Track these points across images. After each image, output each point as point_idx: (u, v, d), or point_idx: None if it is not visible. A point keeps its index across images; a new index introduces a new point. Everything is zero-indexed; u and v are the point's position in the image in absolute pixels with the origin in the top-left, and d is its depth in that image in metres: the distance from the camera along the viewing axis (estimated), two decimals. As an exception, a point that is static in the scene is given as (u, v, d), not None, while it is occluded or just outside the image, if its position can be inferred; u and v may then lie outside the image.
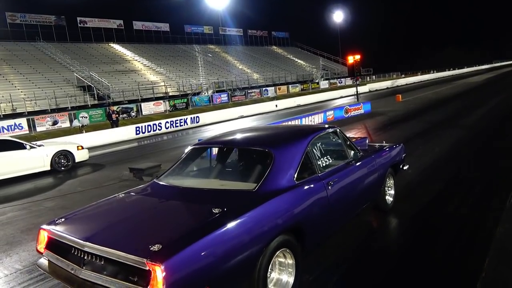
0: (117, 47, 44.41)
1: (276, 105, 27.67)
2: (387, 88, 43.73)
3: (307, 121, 14.80)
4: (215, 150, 4.47)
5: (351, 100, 26.85)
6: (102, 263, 2.66)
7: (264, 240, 2.91)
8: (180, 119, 21.00)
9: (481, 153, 8.66)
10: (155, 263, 2.31)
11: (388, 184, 5.24)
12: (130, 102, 29.80)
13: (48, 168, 10.56)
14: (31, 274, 4.34)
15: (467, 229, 4.60)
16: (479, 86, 32.19)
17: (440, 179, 6.81)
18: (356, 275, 3.76)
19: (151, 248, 2.41)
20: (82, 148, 11.46)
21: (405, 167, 5.80)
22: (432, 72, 67.74)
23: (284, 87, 42.27)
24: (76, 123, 22.54)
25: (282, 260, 3.20)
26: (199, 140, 10.54)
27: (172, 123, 20.36)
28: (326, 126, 4.58)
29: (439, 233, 4.56)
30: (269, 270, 2.99)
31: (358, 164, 4.38)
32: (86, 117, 23.86)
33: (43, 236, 3.21)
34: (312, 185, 3.57)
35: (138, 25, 48.81)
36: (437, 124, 13.25)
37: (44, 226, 3.24)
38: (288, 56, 63.15)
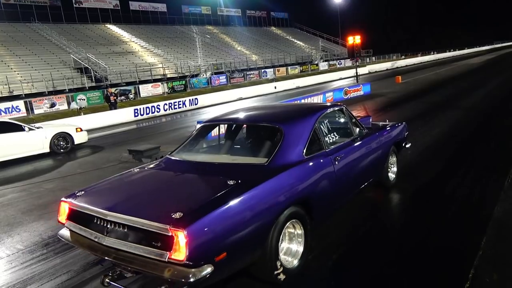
0: (113, 28, 43.77)
1: (275, 87, 27.48)
2: (387, 69, 43.39)
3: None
4: (223, 127, 4.54)
5: (351, 82, 26.67)
6: (125, 231, 2.82)
7: (275, 211, 3.07)
8: (178, 101, 20.87)
9: (481, 133, 8.65)
10: (177, 229, 2.47)
11: (391, 162, 5.38)
12: (128, 84, 29.56)
13: (47, 150, 10.54)
14: (33, 254, 4.38)
15: (466, 208, 4.63)
16: (480, 68, 31.96)
17: (440, 159, 6.82)
18: (356, 255, 3.79)
19: (173, 216, 2.56)
20: (81, 130, 11.40)
21: (407, 145, 5.94)
22: (432, 53, 67.14)
23: (283, 69, 41.91)
24: (74, 105, 22.40)
25: (292, 230, 3.37)
26: (198, 122, 10.54)
27: (170, 105, 20.24)
28: (333, 103, 4.67)
29: (439, 212, 4.59)
30: (280, 240, 3.14)
31: (363, 141, 4.51)
32: (84, 100, 23.71)
33: (64, 208, 3.37)
34: (320, 160, 3.71)
35: (134, 5, 47.97)
36: (437, 105, 13.20)
37: (65, 199, 3.38)
38: (287, 37, 62.38)
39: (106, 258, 2.92)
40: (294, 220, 3.31)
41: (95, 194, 3.46)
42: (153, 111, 19.32)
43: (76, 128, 11.30)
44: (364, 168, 4.52)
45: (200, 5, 55.36)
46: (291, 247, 3.39)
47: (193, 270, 2.51)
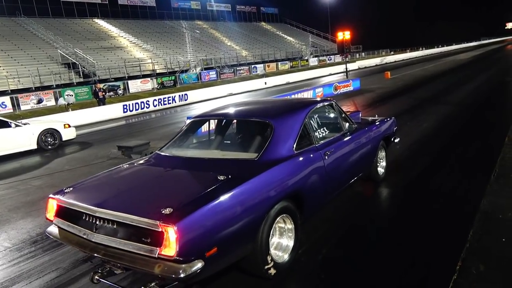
0: (101, 23, 43.19)
1: (265, 83, 27.46)
2: (376, 65, 43.64)
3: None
4: (213, 123, 4.51)
5: (341, 77, 26.77)
6: (115, 227, 2.78)
7: (266, 206, 3.09)
8: (168, 97, 20.72)
9: (468, 128, 8.77)
10: (167, 225, 2.46)
11: (380, 156, 5.45)
12: (116, 79, 29.25)
13: (34, 147, 10.39)
14: (21, 252, 4.33)
15: (454, 201, 4.70)
16: (467, 63, 32.34)
17: (427, 153, 6.91)
18: (345, 249, 3.83)
19: (163, 211, 2.55)
20: (69, 126, 11.27)
21: (396, 140, 6.01)
22: (421, 49, 67.73)
23: (273, 64, 41.87)
24: (61, 101, 22.08)
25: (282, 225, 3.40)
26: (188, 118, 10.49)
27: (160, 101, 20.10)
28: (323, 99, 4.75)
29: (427, 206, 4.66)
30: (271, 235, 3.17)
31: (352, 136, 4.57)
32: (72, 95, 23.40)
33: (52, 205, 3.32)
34: (310, 155, 3.74)
35: (123, 0, 47.37)
36: (425, 100, 13.34)
37: (53, 195, 3.34)
38: (277, 32, 62.29)
39: (95, 255, 2.88)
40: (284, 214, 3.32)
41: (83, 190, 3.42)
42: (142, 107, 19.15)
43: (64, 125, 11.16)
44: (353, 163, 4.56)
45: (189, 0, 54.87)
46: (281, 242, 3.41)
47: (183, 265, 2.50)
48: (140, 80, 29.23)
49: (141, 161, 4.02)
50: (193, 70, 35.56)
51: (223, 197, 2.80)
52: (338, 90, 17.37)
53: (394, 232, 4.08)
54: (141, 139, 10.34)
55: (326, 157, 3.89)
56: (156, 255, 2.51)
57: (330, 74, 34.03)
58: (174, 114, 17.59)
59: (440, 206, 4.60)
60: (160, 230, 2.49)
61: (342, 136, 4.40)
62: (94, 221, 2.91)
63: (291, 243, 3.43)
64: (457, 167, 6.06)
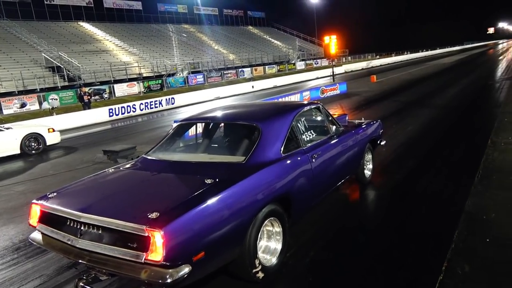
0: (87, 26, 42.70)
1: (253, 86, 27.49)
2: (362, 69, 44.14)
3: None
4: (200, 126, 4.49)
5: (327, 81, 26.98)
6: (100, 232, 2.74)
7: (254, 209, 3.06)
8: (155, 101, 20.57)
9: (453, 130, 8.91)
10: (154, 229, 2.42)
11: (367, 159, 5.51)
12: (102, 83, 28.92)
13: (17, 151, 10.19)
14: (3, 259, 4.22)
15: (439, 203, 4.76)
16: (451, 67, 32.94)
17: (413, 156, 6.99)
18: (332, 251, 3.84)
19: (149, 216, 2.51)
20: (54, 130, 11.08)
21: (382, 142, 6.07)
22: (406, 53, 68.73)
23: (260, 68, 41.97)
24: (45, 105, 21.71)
25: (270, 228, 3.39)
26: (174, 122, 10.42)
27: (146, 104, 19.93)
28: (310, 102, 4.85)
29: (413, 208, 4.71)
30: (259, 238, 3.15)
31: (339, 138, 4.62)
32: (56, 99, 23.04)
33: (35, 211, 3.25)
34: (297, 158, 3.75)
35: (108, 3, 46.91)
36: (410, 103, 13.53)
37: (36, 201, 3.27)
38: (265, 36, 62.51)
39: (79, 261, 2.82)
40: (272, 218, 3.32)
41: (67, 195, 3.35)
42: (128, 110, 18.97)
43: (48, 129, 10.97)
44: (340, 165, 4.59)
45: (176, 4, 54.70)
46: (269, 245, 3.40)
47: (170, 270, 2.46)
48: (126, 83, 28.96)
49: (127, 165, 3.97)
50: (180, 74, 35.39)
51: (211, 201, 2.77)
52: (325, 93, 17.50)
53: (381, 235, 4.10)
54: (127, 143, 10.22)
55: (314, 160, 3.90)
56: (143, 260, 2.47)
57: (317, 78, 34.26)
58: (161, 118, 17.46)
59: (426, 208, 4.66)
60: (146, 235, 2.45)
61: (329, 139, 4.42)
62: (78, 227, 2.85)
63: (279, 246, 3.42)
64: (442, 169, 6.14)
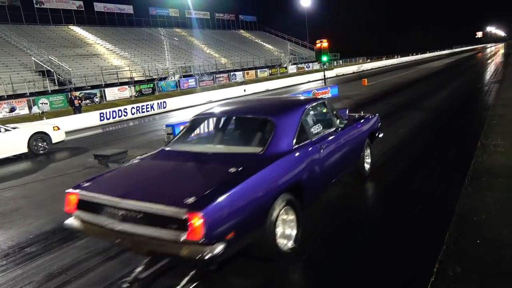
0: (77, 30, 42.44)
1: (245, 90, 27.52)
2: (354, 72, 44.46)
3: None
4: (214, 120, 4.83)
5: (319, 85, 27.10)
6: (139, 216, 3.01)
7: (272, 195, 3.39)
8: (146, 105, 20.48)
9: (443, 133, 9.00)
10: (194, 212, 2.73)
11: (366, 153, 5.88)
12: (93, 87, 28.71)
13: (25, 150, 10.39)
14: (-9, 266, 4.15)
15: (431, 204, 4.80)
16: (440, 71, 33.32)
17: (404, 158, 7.05)
18: (329, 250, 3.85)
19: (187, 200, 2.82)
20: (58, 128, 11.28)
21: (380, 135, 6.50)
22: (396, 57, 69.45)
23: (252, 72, 42.05)
24: (35, 109, 21.50)
25: (285, 216, 3.63)
26: (166, 126, 10.40)
27: (138, 108, 19.84)
28: (316, 98, 5.27)
29: (405, 209, 4.73)
30: (276, 224, 3.44)
31: (343, 131, 5.01)
32: (47, 103, 22.81)
33: (70, 199, 3.54)
34: (307, 149, 4.08)
35: (99, 6, 46.74)
36: (401, 106, 13.63)
37: (71, 190, 3.56)
38: (256, 40, 62.69)
39: (119, 243, 3.20)
40: (287, 206, 3.58)
41: (103, 183, 3.68)
42: (120, 115, 18.85)
43: (53, 127, 11.18)
44: (345, 155, 4.97)
45: (168, 8, 54.62)
46: (285, 231, 3.64)
47: (207, 248, 2.76)
48: (117, 87, 28.79)
49: (150, 157, 4.25)
50: (171, 78, 35.30)
51: (237, 187, 3.08)
52: (317, 97, 17.57)
53: (374, 236, 4.12)
54: (118, 147, 10.13)
55: (321, 151, 4.25)
56: (183, 240, 2.75)
57: (309, 82, 34.40)
58: (152, 122, 17.38)
59: (418, 209, 4.69)
60: (185, 217, 2.75)
61: (334, 132, 4.78)
62: (117, 212, 3.13)
63: (294, 232, 3.71)
64: (434, 171, 6.19)
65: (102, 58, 37.12)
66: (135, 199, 3.08)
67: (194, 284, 3.21)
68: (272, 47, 60.51)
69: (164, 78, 34.65)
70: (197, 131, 4.80)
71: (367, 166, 5.86)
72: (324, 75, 25.95)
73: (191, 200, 2.82)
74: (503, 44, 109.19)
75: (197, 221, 2.71)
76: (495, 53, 58.88)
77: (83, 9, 44.56)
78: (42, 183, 7.79)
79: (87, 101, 25.23)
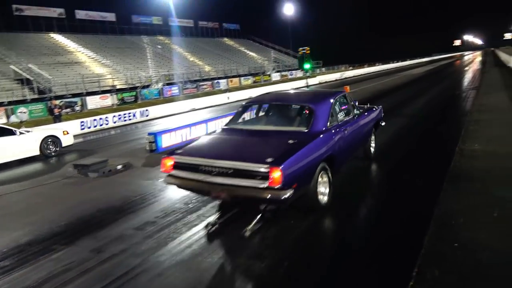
0: (58, 38, 41.80)
1: (228, 97, 27.50)
2: (336, 80, 44.96)
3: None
4: (256, 106, 6.44)
5: (302, 92, 27.27)
6: (229, 172, 4.25)
7: (316, 163, 4.66)
8: (128, 113, 20.22)
9: (423, 138, 9.16)
10: (274, 167, 3.98)
11: (372, 138, 7.28)
12: (74, 95, 28.23)
13: (37, 153, 10.82)
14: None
15: (410, 208, 4.85)
16: (421, 78, 34.01)
17: (386, 163, 7.13)
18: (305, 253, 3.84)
19: (267, 160, 4.07)
20: (67, 133, 11.81)
21: (383, 123, 7.86)
22: (378, 64, 70.58)
23: (236, 79, 42.11)
24: (14, 118, 21.00)
25: (321, 179, 4.87)
26: (148, 134, 10.28)
27: (120, 117, 19.56)
28: (339, 91, 6.55)
29: (385, 213, 4.77)
30: (318, 184, 4.71)
31: (358, 118, 6.41)
32: (25, 112, 22.32)
33: (166, 163, 4.83)
34: (336, 129, 5.37)
35: (81, 14, 46.17)
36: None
37: (168, 155, 4.88)
38: (240, 48, 62.93)
39: (213, 191, 4.41)
40: (323, 171, 4.81)
41: (192, 151, 4.97)
42: (101, 123, 18.55)
43: (63, 131, 11.71)
44: (360, 137, 6.42)
45: (151, 15, 54.37)
46: (322, 190, 4.87)
47: (282, 192, 3.99)
48: (99, 96, 28.39)
49: (218, 132, 5.58)
50: (154, 86, 35.05)
51: (299, 153, 4.37)
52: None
53: (354, 240, 4.13)
54: (99, 156, 9.98)
55: (345, 132, 5.55)
56: (265, 187, 4.02)
57: (292, 89, 34.66)
58: (135, 130, 17.16)
59: (398, 213, 4.73)
60: (267, 171, 3.98)
61: (352, 118, 6.14)
62: (212, 169, 4.36)
63: (327, 190, 4.98)
64: (414, 175, 6.29)
65: (83, 66, 36.63)
66: (226, 160, 4.35)
67: (259, 226, 4.52)
68: (256, 55, 60.83)
69: (147, 86, 34.37)
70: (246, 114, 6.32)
71: (372, 149, 7.27)
72: (307, 83, 26.19)
73: (270, 159, 4.05)
74: (480, 52, 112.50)
75: (277, 173, 3.95)
76: (473, 60, 60.52)
77: (65, 16, 43.90)
78: (18, 194, 7.53)
79: (68, 109, 24.76)
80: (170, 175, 4.82)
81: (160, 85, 35.26)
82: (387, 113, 13.42)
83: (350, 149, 5.84)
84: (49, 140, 11.12)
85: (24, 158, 10.54)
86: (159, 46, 49.83)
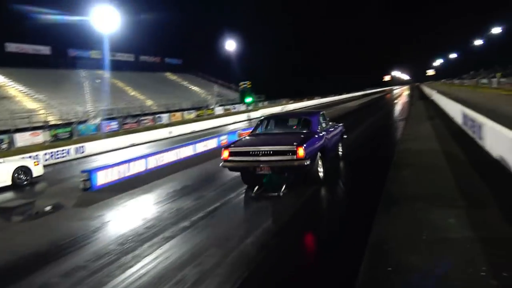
0: (-16, 72, 39.05)
1: (170, 132, 27.07)
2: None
3: (201, 146, 14.75)
4: (266, 121, 9.25)
5: (245, 125, 27.68)
6: (271, 152, 6.98)
7: (317, 149, 7.53)
8: (62, 150, 19.03)
9: (357, 166, 9.57)
10: (299, 147, 6.82)
11: (339, 145, 10.22)
12: (1, 132, 26.19)
13: (9, 183, 11.06)
14: None
15: (346, 236, 4.96)
16: (356, 110, 36.10)
17: (325, 190, 7.32)
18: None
19: (294, 143, 6.91)
20: (38, 163, 12.14)
21: (345, 136, 10.83)
22: (316, 98, 73.96)
23: (179, 114, 41.79)
24: None
25: (320, 163, 7.73)
26: (82, 172, 9.73)
27: (52, 154, 18.34)
28: (319, 110, 9.68)
29: (321, 242, 4.82)
30: (318, 165, 7.61)
31: (332, 128, 9.42)
32: None
33: (224, 152, 7.50)
34: (324, 133, 8.32)
35: (11, 47, 43.79)
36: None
37: (225, 148, 7.59)
38: (183, 82, 62.98)
39: (258, 166, 7.04)
40: (320, 158, 7.68)
41: (241, 144, 7.75)
42: (31, 161, 17.23)
43: (34, 162, 12.07)
44: (334, 142, 9.26)
45: (89, 49, 52.97)
46: (320, 170, 7.71)
47: (305, 161, 6.77)
48: (29, 132, 26.61)
49: (251, 136, 8.47)
50: (92, 121, 33.66)
51: (309, 141, 7.24)
52: (242, 137, 17.87)
53: (291, 275, 4.11)
54: (24, 197, 9.20)
55: (328, 135, 8.54)
56: (294, 158, 6.78)
57: (235, 122, 34.99)
58: (68, 168, 16.12)
59: (334, 241, 4.81)
60: (295, 149, 6.78)
61: (329, 128, 9.10)
62: (258, 152, 7.06)
63: (321, 169, 7.78)
64: (348, 202, 6.50)
65: (13, 101, 34.38)
66: (268, 145, 7.11)
67: (285, 190, 7.19)
68: (199, 89, 61.15)
69: (84, 122, 32.92)
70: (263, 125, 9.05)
71: (340, 153, 10.25)
72: (249, 116, 26.65)
73: (295, 143, 6.87)
74: (407, 86, 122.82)
75: (301, 150, 6.74)
76: (401, 94, 65.61)
77: (-8, 49, 41.39)
78: None
79: (-7, 148, 22.84)
80: (226, 161, 7.48)
81: (98, 120, 33.92)
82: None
83: (331, 147, 8.81)
84: (21, 170, 11.37)
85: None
86: (98, 80, 48.31)
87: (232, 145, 7.52)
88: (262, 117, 9.40)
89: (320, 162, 7.63)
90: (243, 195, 7.58)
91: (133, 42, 57.64)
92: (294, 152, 6.74)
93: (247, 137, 8.28)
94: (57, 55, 49.08)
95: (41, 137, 26.29)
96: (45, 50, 47.59)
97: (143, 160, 11.37)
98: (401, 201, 5.88)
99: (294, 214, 6.22)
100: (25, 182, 11.40)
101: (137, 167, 11.01)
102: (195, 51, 77.28)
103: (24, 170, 11.48)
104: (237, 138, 16.46)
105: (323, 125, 8.64)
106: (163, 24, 65.93)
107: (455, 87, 63.17)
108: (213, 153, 14.33)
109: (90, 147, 20.73)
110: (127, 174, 10.60)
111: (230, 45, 57.99)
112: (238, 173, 8.11)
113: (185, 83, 63.13)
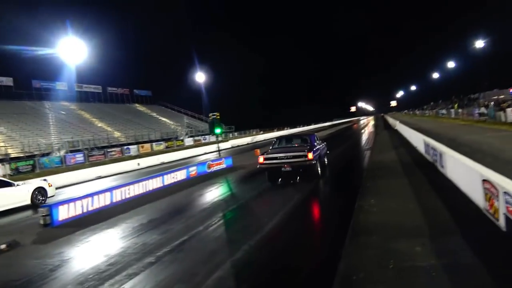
0: None
1: (139, 164, 26.47)
2: (248, 143, 46.50)
3: (170, 178, 14.49)
4: (278, 140, 14.33)
5: (214, 156, 27.53)
6: (293, 156, 11.70)
7: (318, 157, 12.19)
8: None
9: (326, 196, 9.67)
10: (309, 152, 11.63)
11: (325, 159, 14.42)
12: (-45, 167, 24.73)
13: (29, 202, 12.39)
14: None
15: (316, 267, 4.91)
16: (325, 139, 36.72)
17: (291, 221, 7.28)
18: None
19: (305, 151, 11.74)
20: (51, 185, 13.62)
21: (328, 152, 15.09)
22: (286, 129, 75.14)
23: (147, 145, 41.10)
24: None
25: (319, 164, 12.27)
26: (41, 207, 9.27)
27: (12, 188, 17.42)
28: (314, 133, 16.47)
29: (290, 278, 4.74)
30: (318, 165, 12.21)
31: (321, 145, 13.79)
32: None
33: (260, 157, 12.13)
34: (318, 147, 12.87)
35: (-31, 78, 42.23)
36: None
37: (260, 154, 12.26)
38: (152, 114, 62.45)
39: (283, 165, 11.62)
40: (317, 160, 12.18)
41: (271, 153, 12.23)
42: (-13, 197, 16.28)
43: (48, 184, 13.53)
44: (323, 153, 13.66)
45: (54, 81, 51.81)
46: (319, 169, 12.23)
47: (313, 160, 11.54)
48: (-13, 166, 25.26)
49: (271, 150, 12.68)
50: (56, 153, 32.50)
51: (313, 149, 11.89)
52: (211, 168, 17.70)
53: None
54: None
55: (321, 148, 13.36)
56: (306, 160, 11.45)
57: (205, 153, 34.77)
58: (28, 203, 15.31)
59: (303, 275, 4.75)
60: (306, 154, 11.53)
61: (320, 144, 13.63)
62: (285, 156, 11.71)
63: (320, 169, 12.29)
64: (317, 232, 6.48)
65: (-30, 133, 32.74)
66: (289, 153, 11.81)
67: (299, 180, 11.71)
68: (168, 120, 60.76)
69: (48, 154, 31.73)
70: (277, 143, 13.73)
71: (325, 162, 14.18)
72: (218, 147, 26.57)
73: (306, 150, 11.64)
74: (372, 116, 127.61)
75: (310, 154, 11.45)
76: (367, 124, 67.80)
77: (-50, 80, 39.70)
78: None
79: None
80: (262, 164, 11.81)
81: (62, 152, 32.82)
82: (293, 174, 14.21)
83: (323, 155, 13.34)
84: (37, 191, 12.75)
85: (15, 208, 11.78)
86: (63, 112, 47.20)
87: (265, 154, 11.95)
88: (275, 137, 15.62)
89: (318, 164, 11.91)
90: (212, 227, 7.42)
91: (101, 74, 57.32)
92: (306, 156, 11.28)
93: (270, 149, 12.63)
94: (20, 87, 47.68)
95: (0, 170, 25.02)
96: (7, 81, 46.15)
97: (108, 193, 11.00)
98: (369, 231, 5.92)
99: (260, 247, 6.14)
100: (41, 201, 12.58)
101: (102, 201, 10.62)
102: (165, 83, 77.62)
103: (40, 190, 12.89)
104: (206, 170, 17.77)
105: (317, 143, 13.01)
106: (132, 56, 66.01)
107: (417, 117, 66.10)
108: (182, 185, 14.09)
109: (53, 180, 19.79)
110: (91, 208, 10.19)
111: (200, 77, 58.60)
112: (207, 205, 10.25)
113: (154, 114, 62.64)
